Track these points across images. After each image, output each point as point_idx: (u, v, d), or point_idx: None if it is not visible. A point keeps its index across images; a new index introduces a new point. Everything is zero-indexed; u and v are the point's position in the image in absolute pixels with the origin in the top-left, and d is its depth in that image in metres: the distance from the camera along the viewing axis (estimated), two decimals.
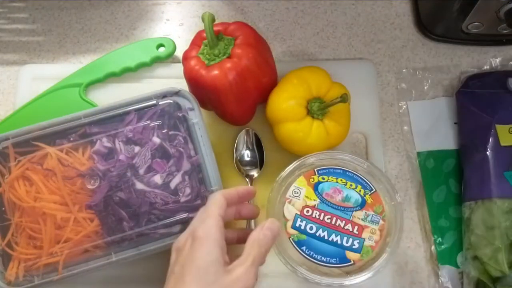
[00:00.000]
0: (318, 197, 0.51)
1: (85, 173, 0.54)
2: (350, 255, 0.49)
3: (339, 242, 0.50)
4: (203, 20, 0.51)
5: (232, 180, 0.60)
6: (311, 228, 0.50)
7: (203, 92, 0.55)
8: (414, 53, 0.67)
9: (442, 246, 0.58)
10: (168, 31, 0.69)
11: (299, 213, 0.51)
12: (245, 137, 0.62)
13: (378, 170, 0.52)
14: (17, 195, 0.53)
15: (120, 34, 0.69)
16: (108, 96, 0.63)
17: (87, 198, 0.53)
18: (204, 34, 0.54)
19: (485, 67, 0.65)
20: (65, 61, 0.68)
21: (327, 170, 0.52)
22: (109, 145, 0.55)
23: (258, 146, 0.61)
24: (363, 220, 0.50)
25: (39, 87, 0.64)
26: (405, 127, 0.64)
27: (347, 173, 0.52)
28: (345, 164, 0.52)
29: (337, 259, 0.49)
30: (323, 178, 0.52)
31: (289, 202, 0.51)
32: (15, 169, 0.54)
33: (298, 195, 0.51)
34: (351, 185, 0.51)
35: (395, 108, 0.65)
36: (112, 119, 0.56)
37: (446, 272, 0.57)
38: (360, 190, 0.51)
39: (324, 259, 0.49)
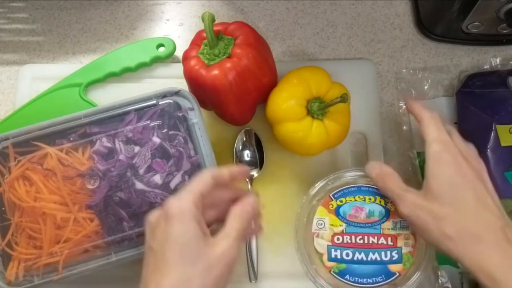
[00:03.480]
0: (343, 221, 0.50)
1: (85, 173, 0.54)
2: (393, 267, 0.49)
3: (378, 259, 0.49)
4: (203, 20, 0.51)
5: None
6: (347, 255, 0.49)
7: (203, 92, 0.55)
8: (414, 53, 0.67)
9: None
10: (168, 31, 0.69)
11: (330, 243, 0.50)
12: (245, 137, 0.62)
13: None
14: (17, 195, 0.53)
15: (120, 34, 0.69)
16: (108, 96, 0.63)
17: (87, 198, 0.53)
18: (204, 34, 0.54)
19: (485, 67, 0.65)
20: (65, 61, 0.68)
21: (342, 192, 0.51)
22: (109, 145, 0.55)
23: (258, 146, 0.61)
24: (393, 229, 0.50)
25: (39, 87, 0.64)
26: (405, 127, 0.64)
27: (362, 188, 0.51)
28: (356, 180, 0.52)
29: (383, 276, 0.49)
30: (341, 201, 0.51)
31: (317, 236, 0.50)
32: (15, 169, 0.54)
33: (323, 226, 0.51)
34: (370, 199, 0.51)
35: (395, 108, 0.65)
36: (112, 119, 0.56)
37: (446, 272, 0.57)
38: (380, 201, 0.51)
39: (370, 281, 0.49)
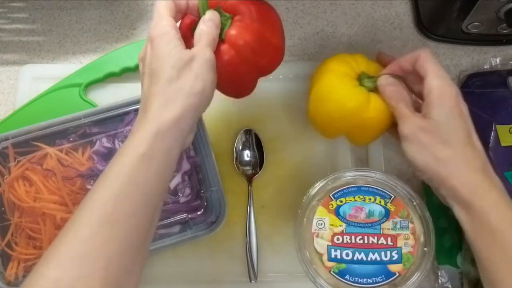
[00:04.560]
0: (343, 221, 0.50)
1: (84, 173, 0.54)
2: (393, 267, 0.49)
3: (378, 259, 0.49)
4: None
5: (232, 180, 0.60)
6: (347, 255, 0.50)
7: None
8: None
9: (442, 246, 0.58)
10: None
11: (330, 243, 0.50)
12: (245, 137, 0.62)
13: (388, 175, 0.51)
14: (17, 195, 0.54)
15: (120, 34, 0.69)
16: (108, 96, 0.63)
17: None
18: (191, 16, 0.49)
19: (485, 67, 0.65)
20: (65, 61, 0.68)
21: (342, 192, 0.51)
22: (108, 145, 0.55)
23: (258, 146, 0.61)
24: (393, 229, 0.50)
25: (39, 87, 0.64)
26: None
27: (362, 188, 0.51)
28: (356, 180, 0.52)
29: (382, 276, 0.49)
30: (341, 201, 0.51)
31: (317, 236, 0.50)
32: (14, 169, 0.54)
33: (323, 226, 0.51)
34: (370, 199, 0.51)
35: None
36: (112, 119, 0.56)
37: (446, 272, 0.57)
38: (380, 201, 0.51)
39: (370, 281, 0.49)
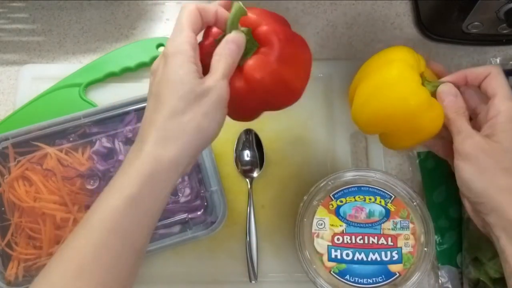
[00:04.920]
0: (343, 222, 0.50)
1: (84, 173, 0.54)
2: (393, 267, 0.49)
3: (378, 259, 0.49)
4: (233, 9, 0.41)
5: (232, 180, 0.60)
6: (347, 255, 0.50)
7: None
8: None
9: (442, 246, 0.58)
10: (168, 31, 0.69)
11: (330, 243, 0.50)
12: (245, 137, 0.62)
13: (388, 175, 0.52)
14: (17, 195, 0.54)
15: (120, 34, 0.69)
16: (108, 96, 0.63)
17: (86, 198, 0.53)
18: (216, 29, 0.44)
19: None
20: (65, 61, 0.68)
21: (342, 192, 0.51)
22: (108, 145, 0.55)
23: (258, 146, 0.61)
24: (393, 230, 0.50)
25: (39, 87, 0.64)
26: None
27: (362, 188, 0.51)
28: (356, 180, 0.52)
29: (383, 276, 0.49)
30: (341, 201, 0.51)
31: (317, 236, 0.50)
32: (14, 169, 0.54)
33: (323, 226, 0.51)
34: (370, 199, 0.51)
35: None
36: (111, 119, 0.56)
37: (446, 272, 0.57)
38: (380, 201, 0.51)
39: (371, 281, 0.49)
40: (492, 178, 0.43)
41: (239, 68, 0.42)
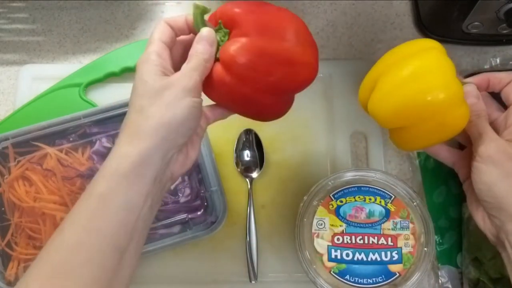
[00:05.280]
0: (343, 222, 0.51)
1: (84, 173, 0.54)
2: (393, 268, 0.49)
3: (378, 259, 0.49)
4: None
5: (232, 180, 0.60)
6: (347, 255, 0.50)
7: None
8: None
9: (442, 246, 0.58)
10: None
11: (330, 244, 0.50)
12: (245, 137, 0.62)
13: (388, 175, 0.52)
14: (17, 195, 0.54)
15: (120, 34, 0.69)
16: (108, 96, 0.63)
17: None
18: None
19: (485, 67, 0.65)
20: (65, 61, 0.68)
21: (342, 192, 0.51)
22: (108, 145, 0.55)
23: (258, 146, 0.61)
24: (393, 230, 0.50)
25: (39, 87, 0.64)
26: None
27: (362, 188, 0.51)
28: (356, 180, 0.52)
29: (383, 276, 0.49)
30: (341, 201, 0.51)
31: (317, 236, 0.50)
32: (14, 169, 0.54)
33: (323, 226, 0.51)
34: (370, 199, 0.51)
35: None
36: (111, 119, 0.56)
37: (446, 272, 0.57)
38: (380, 201, 0.51)
39: (371, 281, 0.49)
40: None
41: (219, 61, 0.41)
